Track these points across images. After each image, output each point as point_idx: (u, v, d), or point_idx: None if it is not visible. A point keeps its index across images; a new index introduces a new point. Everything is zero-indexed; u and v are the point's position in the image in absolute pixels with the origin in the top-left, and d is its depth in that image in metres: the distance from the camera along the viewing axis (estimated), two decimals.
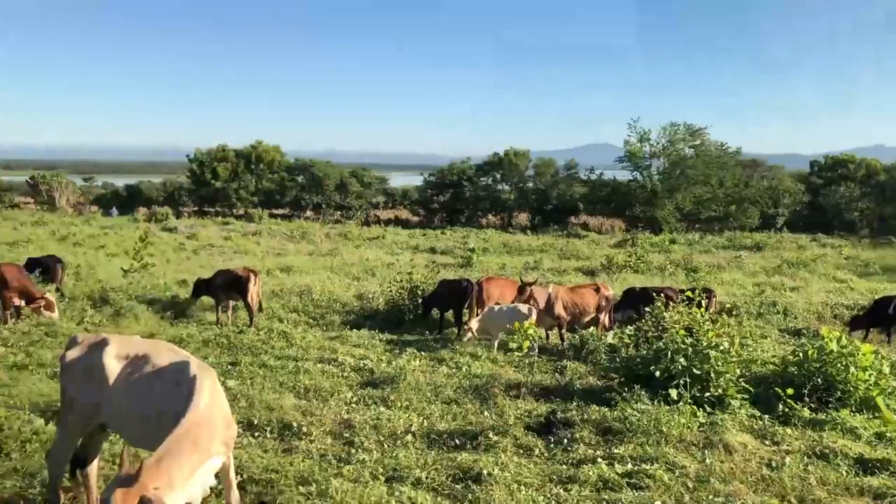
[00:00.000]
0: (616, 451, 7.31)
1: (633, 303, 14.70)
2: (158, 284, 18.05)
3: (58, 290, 15.95)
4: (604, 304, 13.88)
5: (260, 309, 15.28)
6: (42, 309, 13.91)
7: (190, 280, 19.24)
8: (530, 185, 57.05)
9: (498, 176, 57.60)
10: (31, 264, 16.80)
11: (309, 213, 56.34)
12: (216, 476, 5.32)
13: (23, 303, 14.06)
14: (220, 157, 56.41)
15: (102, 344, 5.74)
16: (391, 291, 16.36)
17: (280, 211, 57.12)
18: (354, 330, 14.39)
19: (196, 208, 56.82)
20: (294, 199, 57.51)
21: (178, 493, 4.63)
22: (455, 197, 55.96)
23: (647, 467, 6.82)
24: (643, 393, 8.79)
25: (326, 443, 7.75)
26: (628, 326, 11.76)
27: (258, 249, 30.92)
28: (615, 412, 8.41)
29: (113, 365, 5.57)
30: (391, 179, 68.16)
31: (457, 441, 7.76)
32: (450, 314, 14.71)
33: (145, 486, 4.41)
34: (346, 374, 10.86)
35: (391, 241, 35.76)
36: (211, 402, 5.13)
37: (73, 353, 5.81)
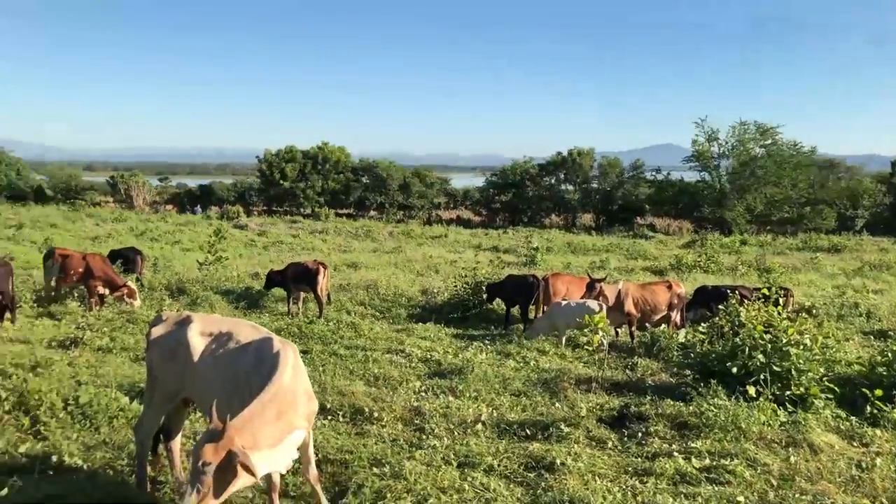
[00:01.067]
0: (693, 445, 7.13)
1: (706, 301, 14.35)
2: (232, 277, 18.58)
3: (138, 279, 16.57)
4: (676, 301, 13.58)
5: (328, 301, 15.55)
6: (124, 297, 14.50)
7: (261, 273, 19.78)
8: (595, 185, 56.29)
9: (561, 176, 57.02)
10: (114, 256, 17.50)
11: (373, 212, 56.99)
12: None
13: (107, 291, 14.69)
14: (288, 158, 57.57)
15: (187, 321, 5.93)
16: (456, 287, 16.39)
17: (345, 210, 57.95)
18: (420, 323, 14.49)
19: (265, 207, 58.14)
20: (358, 199, 58.27)
21: (262, 454, 4.75)
22: (517, 197, 55.65)
23: (727, 463, 6.64)
24: (720, 389, 8.55)
25: (397, 428, 7.82)
26: (701, 324, 11.47)
27: (324, 246, 31.47)
28: (691, 407, 8.21)
29: (197, 341, 5.75)
30: (453, 180, 68.26)
31: (527, 431, 7.71)
32: (516, 310, 14.65)
33: (232, 440, 4.55)
34: (413, 364, 10.94)
35: (453, 240, 35.85)
36: (294, 376, 5.25)
37: (158, 330, 6.02)
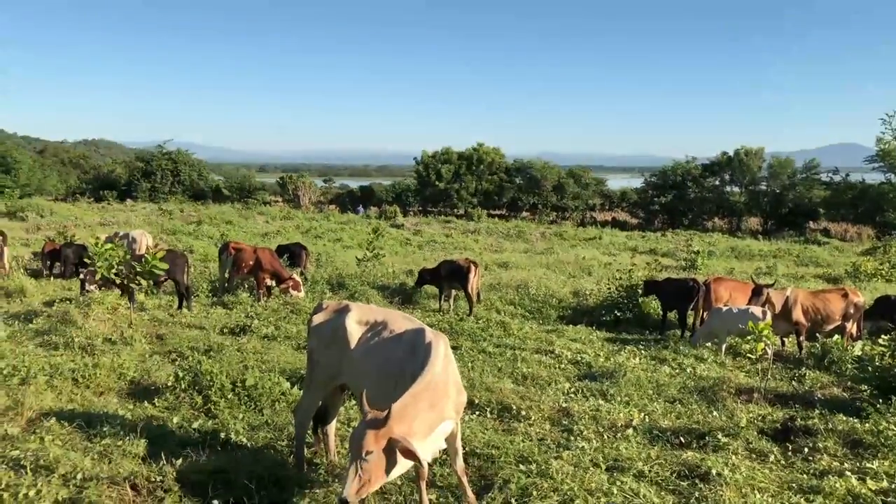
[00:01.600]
0: (868, 465, 6.49)
1: (888, 312, 13.05)
2: (388, 273, 19.24)
3: (302, 273, 17.57)
4: (852, 311, 12.45)
5: (479, 299, 15.70)
6: (290, 289, 15.42)
7: (415, 270, 20.34)
8: (763, 186, 52.89)
9: (727, 177, 54.10)
10: (281, 250, 18.67)
11: (525, 213, 56.91)
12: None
13: (273, 283, 15.70)
14: (443, 160, 58.84)
15: (345, 310, 6.19)
16: (609, 289, 15.99)
17: (497, 211, 58.30)
18: (570, 325, 14.27)
19: (420, 208, 59.76)
20: (511, 200, 58.42)
21: (418, 442, 4.86)
22: (677, 198, 53.39)
23: None
24: None
25: (545, 428, 7.73)
26: (882, 336, 10.42)
27: (476, 246, 31.81)
28: (867, 425, 7.48)
29: (354, 329, 5.98)
30: (609, 181, 66.70)
31: (682, 439, 7.35)
32: (673, 314, 14.06)
33: (392, 429, 4.68)
34: (562, 365, 10.79)
35: (608, 242, 35.02)
36: (445, 367, 5.33)
37: (319, 318, 6.33)
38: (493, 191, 58.44)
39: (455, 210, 57.48)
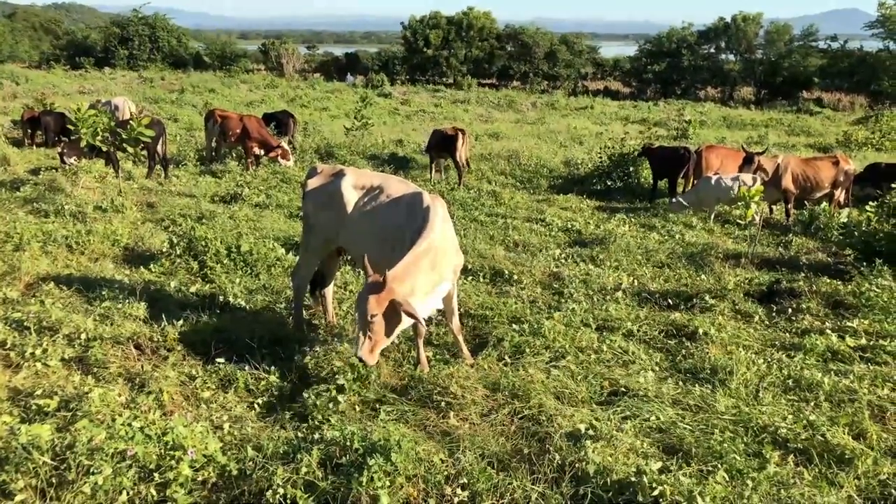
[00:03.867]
0: (849, 325, 6.73)
1: (877, 179, 13.12)
2: (377, 143, 18.99)
3: (290, 142, 17.30)
4: (841, 178, 12.49)
5: (468, 168, 15.59)
6: (278, 157, 15.24)
7: (406, 140, 20.17)
8: (759, 54, 51.54)
9: (722, 44, 52.58)
10: (267, 119, 18.27)
11: (516, 82, 55.60)
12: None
13: (262, 152, 15.48)
14: (432, 25, 56.69)
15: (341, 174, 6.13)
16: (601, 159, 15.89)
17: (488, 80, 56.89)
18: (561, 194, 14.29)
19: (408, 76, 58.18)
20: (502, 69, 56.88)
21: (418, 301, 5.01)
22: (671, 67, 52.03)
23: (886, 344, 6.23)
24: (885, 269, 7.92)
25: (536, 291, 7.90)
26: (869, 203, 10.52)
27: (466, 116, 31.27)
28: (849, 287, 7.71)
29: (350, 193, 5.96)
30: (602, 49, 64.79)
31: (669, 301, 7.56)
32: (663, 183, 14.08)
33: (393, 290, 4.81)
34: (553, 233, 10.90)
35: (599, 112, 34.48)
36: (443, 229, 5.38)
37: (314, 182, 6.28)
38: (483, 58, 56.72)
39: (444, 79, 56.01)
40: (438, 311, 5.85)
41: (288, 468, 3.93)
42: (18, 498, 3.51)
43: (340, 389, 5.07)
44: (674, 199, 12.46)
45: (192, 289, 7.59)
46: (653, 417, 4.84)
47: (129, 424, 4.04)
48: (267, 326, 6.51)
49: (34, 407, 4.72)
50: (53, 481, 3.64)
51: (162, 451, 3.93)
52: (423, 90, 46.45)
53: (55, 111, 18.73)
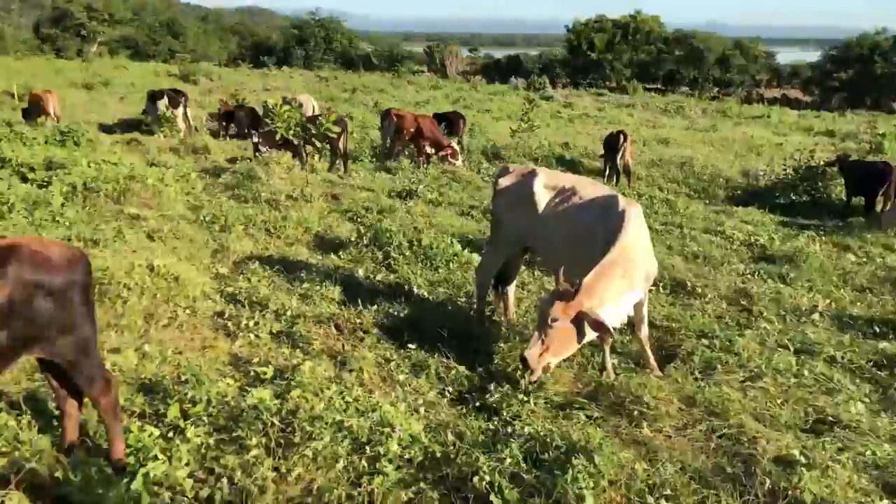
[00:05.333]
0: None
1: None
2: (542, 145, 18.98)
3: (459, 142, 17.67)
4: None
5: (629, 173, 15.24)
6: (448, 157, 15.62)
7: (571, 143, 20.04)
8: None
9: None
10: (438, 118, 18.75)
11: (684, 87, 53.63)
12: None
13: (433, 151, 15.93)
14: (597, 28, 55.96)
15: (533, 174, 6.20)
16: (785, 171, 14.97)
17: (653, 85, 55.32)
18: (740, 206, 13.62)
19: (569, 80, 57.74)
20: (668, 73, 55.21)
21: (608, 310, 4.96)
22: (861, 75, 48.00)
23: None
24: None
25: (722, 307, 7.58)
26: None
27: (631, 121, 30.52)
28: None
29: (542, 193, 6.01)
30: (779, 55, 61.09)
31: (876, 329, 6.98)
32: (858, 200, 13.03)
33: (581, 302, 4.80)
34: (735, 247, 10.40)
35: (777, 121, 32.45)
36: (637, 235, 5.30)
37: (505, 181, 6.39)
38: (649, 62, 55.30)
39: (607, 82, 55.08)
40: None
41: (491, 457, 4.02)
42: (253, 452, 3.84)
43: (530, 388, 5.12)
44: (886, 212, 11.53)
45: (378, 277, 7.96)
46: (868, 452, 4.51)
47: (343, 398, 4.30)
48: (451, 318, 6.69)
49: (252, 373, 5.15)
50: (281, 442, 3.95)
51: (372, 426, 4.15)
52: (586, 94, 45.92)
53: (247, 106, 20.25)
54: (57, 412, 4.27)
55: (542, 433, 4.26)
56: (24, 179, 10.44)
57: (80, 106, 23.02)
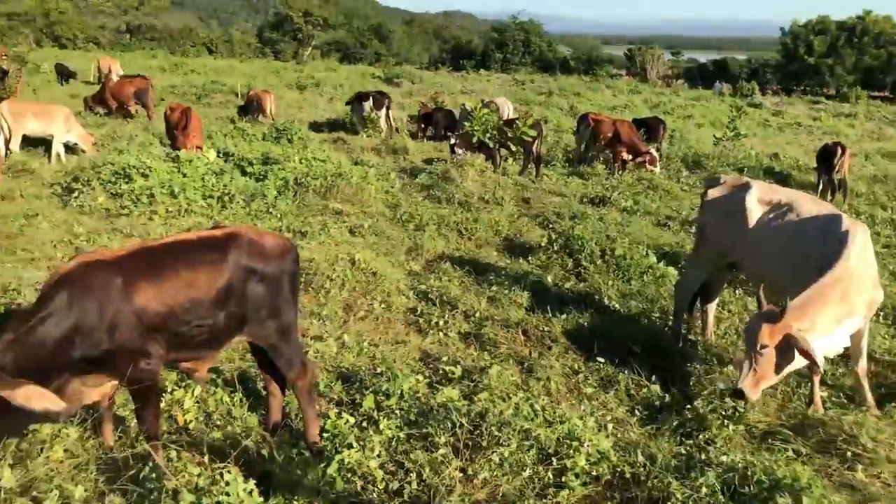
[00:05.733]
0: None
1: None
2: (749, 155, 17.80)
3: (657, 149, 17.01)
4: None
5: (844, 189, 13.81)
6: (646, 163, 15.08)
7: (781, 154, 18.64)
8: None
9: None
10: (637, 124, 18.18)
11: None
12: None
13: (630, 157, 15.46)
14: (818, 30, 51.52)
15: (746, 187, 5.78)
16: None
17: (879, 93, 49.95)
18: None
19: (779, 86, 53.71)
20: None
21: (820, 338, 4.53)
22: None
23: None
24: None
25: None
26: None
27: (851, 132, 27.80)
28: None
29: (755, 207, 5.59)
30: None
31: None
32: None
33: (789, 325, 4.42)
34: None
35: None
36: (861, 258, 4.79)
37: (715, 192, 6.01)
38: (876, 67, 49.98)
39: (824, 89, 50.53)
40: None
41: (685, 484, 3.79)
42: (441, 451, 3.90)
43: (730, 415, 4.77)
44: None
45: (567, 285, 7.84)
46: None
47: (531, 406, 4.25)
48: (643, 334, 6.42)
49: (441, 371, 5.26)
50: (469, 444, 3.98)
51: (560, 437, 4.06)
52: (799, 101, 42.45)
53: (445, 108, 20.90)
54: (264, 392, 4.61)
55: (741, 464, 3.94)
56: (244, 173, 11.46)
57: (293, 105, 24.98)
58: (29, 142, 12.32)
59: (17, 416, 3.30)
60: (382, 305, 6.71)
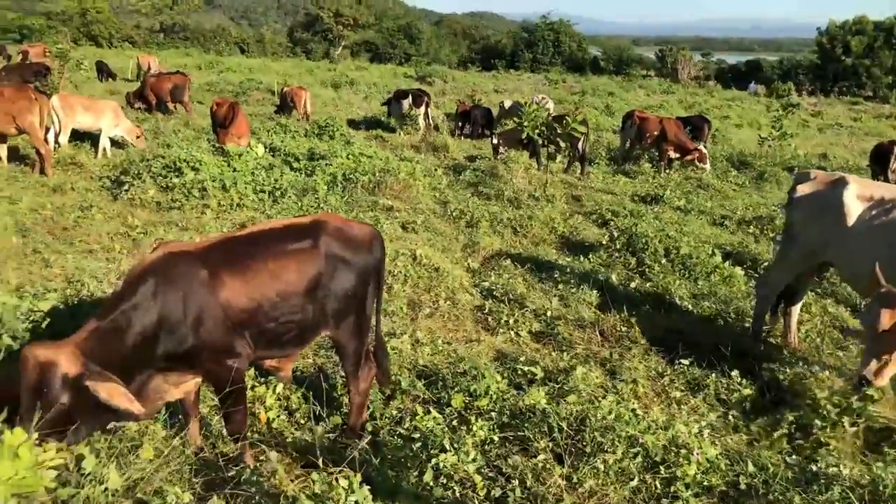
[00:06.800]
0: None
1: None
2: (795, 155, 17.37)
3: (704, 144, 16.63)
4: None
5: None
6: (695, 161, 14.73)
7: (829, 154, 18.22)
8: None
9: None
10: (682, 122, 17.81)
11: None
12: None
13: (677, 155, 15.11)
14: (855, 30, 50.53)
15: (842, 182, 5.47)
16: None
17: None
18: None
19: (813, 86, 52.74)
20: None
21: None
22: None
23: None
24: None
25: None
26: None
27: (895, 133, 27.13)
28: None
29: (854, 204, 5.28)
30: None
31: None
32: None
33: None
34: None
35: None
36: None
37: (805, 188, 5.71)
38: None
39: (861, 90, 49.53)
40: None
41: (808, 498, 3.51)
42: (541, 457, 3.66)
43: (836, 421, 4.47)
44: None
45: (633, 284, 7.55)
46: None
47: (634, 412, 4.00)
48: (721, 335, 6.13)
49: (519, 371, 5.02)
50: (571, 450, 3.74)
51: (666, 444, 3.81)
52: (838, 102, 41.60)
53: (482, 106, 20.65)
54: (344, 390, 4.40)
55: (867, 477, 3.66)
56: (291, 168, 11.32)
57: (329, 103, 24.86)
58: (75, 136, 12.28)
59: (102, 412, 3.12)
60: (448, 302, 6.49)
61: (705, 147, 16.73)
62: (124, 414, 3.12)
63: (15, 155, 11.60)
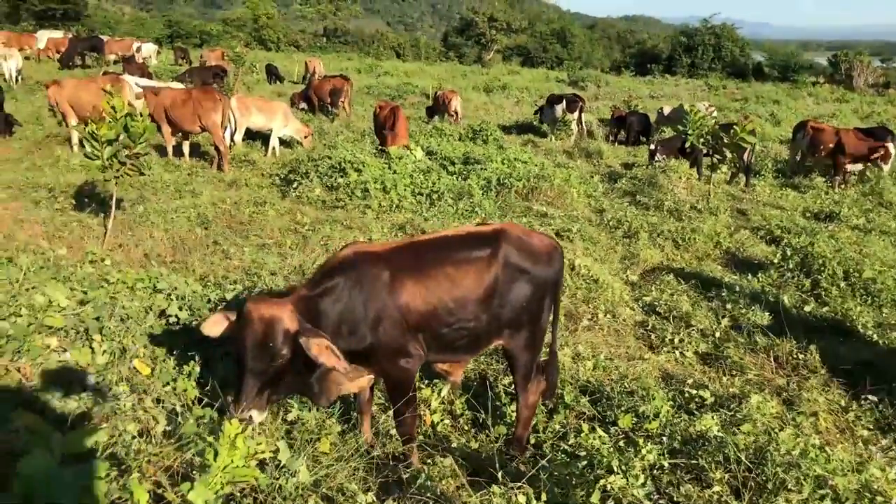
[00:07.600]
0: None
1: None
2: None
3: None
4: None
5: None
6: (878, 160, 13.61)
7: None
8: None
9: None
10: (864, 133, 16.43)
11: None
12: None
13: (858, 166, 13.99)
14: None
15: None
16: None
17: None
18: None
19: None
20: None
21: None
22: None
23: None
24: None
25: None
26: None
27: None
28: None
29: None
30: None
31: None
32: None
33: None
34: None
35: None
36: None
37: None
38: None
39: None
40: None
41: None
42: (716, 488, 3.46)
43: None
44: None
45: (807, 308, 7.02)
46: None
47: (822, 449, 3.69)
48: None
49: (686, 395, 4.78)
50: (750, 484, 3.50)
51: (860, 489, 3.48)
52: None
53: (639, 112, 20.08)
54: (507, 399, 4.37)
55: None
56: (447, 172, 11.49)
57: (480, 108, 25.10)
58: (247, 135, 13.13)
59: (305, 372, 3.29)
60: (608, 316, 6.32)
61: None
62: (323, 385, 3.28)
63: (195, 151, 12.59)
